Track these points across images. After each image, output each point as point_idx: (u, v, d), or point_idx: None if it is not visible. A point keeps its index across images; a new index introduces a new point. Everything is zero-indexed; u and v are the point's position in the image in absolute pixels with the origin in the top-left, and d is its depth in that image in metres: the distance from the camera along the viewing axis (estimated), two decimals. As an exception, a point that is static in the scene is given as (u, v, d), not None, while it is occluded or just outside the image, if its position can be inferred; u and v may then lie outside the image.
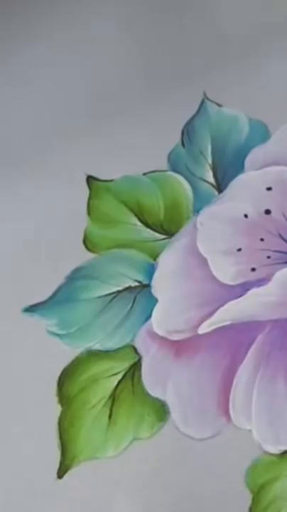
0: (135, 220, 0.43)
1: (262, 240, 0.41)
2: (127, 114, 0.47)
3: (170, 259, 0.42)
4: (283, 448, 0.36)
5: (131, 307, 0.41)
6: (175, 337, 0.40)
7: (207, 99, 0.46)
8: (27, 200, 0.46)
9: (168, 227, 0.43)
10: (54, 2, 0.51)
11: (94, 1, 0.51)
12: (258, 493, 0.36)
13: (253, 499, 0.35)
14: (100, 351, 0.40)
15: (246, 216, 0.42)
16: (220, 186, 0.43)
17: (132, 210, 0.44)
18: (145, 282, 0.41)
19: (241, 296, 0.39)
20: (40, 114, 0.48)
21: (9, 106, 0.49)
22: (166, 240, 0.42)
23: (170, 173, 0.44)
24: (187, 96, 0.46)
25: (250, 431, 0.37)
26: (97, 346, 0.40)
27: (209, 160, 0.44)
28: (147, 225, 0.43)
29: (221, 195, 0.43)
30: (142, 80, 0.48)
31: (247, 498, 0.35)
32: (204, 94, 0.46)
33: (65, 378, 0.40)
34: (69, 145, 0.47)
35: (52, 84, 0.49)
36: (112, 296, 0.41)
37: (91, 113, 0.48)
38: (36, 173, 0.46)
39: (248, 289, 0.40)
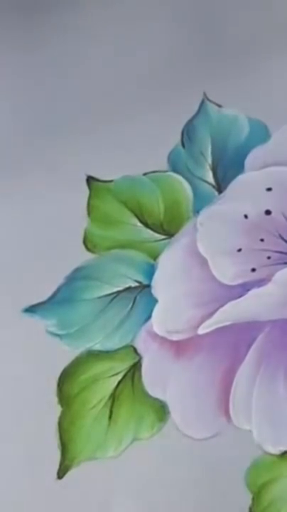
0: (135, 221, 0.43)
1: (262, 240, 0.41)
2: (127, 114, 0.47)
3: (170, 260, 0.42)
4: (283, 448, 0.36)
5: (131, 307, 0.41)
6: (175, 337, 0.40)
7: (207, 99, 0.46)
8: (27, 200, 0.46)
9: (168, 227, 0.43)
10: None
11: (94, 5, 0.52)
12: (258, 493, 0.36)
13: (254, 499, 0.36)
14: (100, 351, 0.40)
15: (246, 217, 0.42)
16: (220, 187, 0.43)
17: (132, 211, 0.44)
18: (145, 283, 0.41)
19: (241, 296, 0.39)
20: (41, 115, 0.48)
21: (9, 106, 0.49)
22: (166, 241, 0.42)
23: (170, 173, 0.44)
24: (187, 96, 0.46)
25: (250, 431, 0.37)
26: (97, 346, 0.40)
27: (209, 160, 0.44)
28: (147, 226, 0.43)
29: (222, 195, 0.43)
30: (142, 80, 0.48)
31: (247, 498, 0.35)
32: (205, 94, 0.46)
33: (65, 378, 0.40)
34: (70, 145, 0.46)
35: (53, 84, 0.49)
36: (112, 296, 0.41)
37: (91, 113, 0.48)
38: (36, 173, 0.46)
39: (248, 290, 0.40)
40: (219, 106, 0.46)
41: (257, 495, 0.36)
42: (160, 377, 0.39)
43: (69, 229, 0.44)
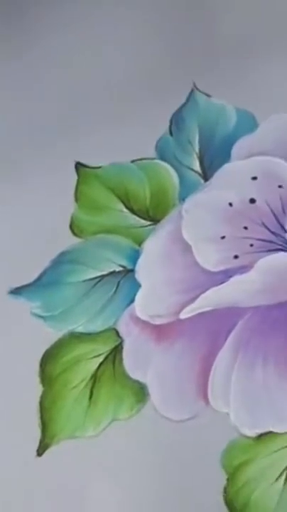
0: (121, 207, 0.44)
1: (246, 228, 0.41)
2: (116, 101, 0.47)
3: (155, 246, 0.42)
4: (259, 431, 0.37)
5: (115, 291, 0.41)
6: (157, 321, 0.40)
7: (196, 89, 0.47)
8: (15, 186, 0.46)
9: (153, 213, 0.43)
10: None
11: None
12: (233, 474, 0.36)
13: (228, 480, 0.36)
14: (82, 334, 0.41)
15: (230, 205, 0.42)
16: (206, 175, 0.44)
17: (119, 197, 0.44)
18: (129, 267, 0.42)
19: (223, 282, 0.40)
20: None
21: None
22: (151, 227, 0.43)
23: (157, 161, 0.45)
24: (176, 85, 0.47)
25: (227, 414, 0.37)
26: (80, 329, 0.41)
27: (197, 149, 0.45)
28: (133, 212, 0.44)
29: (207, 183, 0.44)
30: (132, 69, 0.49)
31: (222, 479, 0.36)
32: (194, 84, 0.47)
33: (48, 359, 0.40)
34: (58, 132, 0.47)
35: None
36: (96, 280, 0.42)
37: (80, 100, 0.48)
38: (24, 158, 0.47)
39: (230, 276, 0.40)
40: (208, 95, 0.46)
41: (232, 475, 0.36)
42: (141, 360, 0.39)
43: (56, 213, 0.44)
